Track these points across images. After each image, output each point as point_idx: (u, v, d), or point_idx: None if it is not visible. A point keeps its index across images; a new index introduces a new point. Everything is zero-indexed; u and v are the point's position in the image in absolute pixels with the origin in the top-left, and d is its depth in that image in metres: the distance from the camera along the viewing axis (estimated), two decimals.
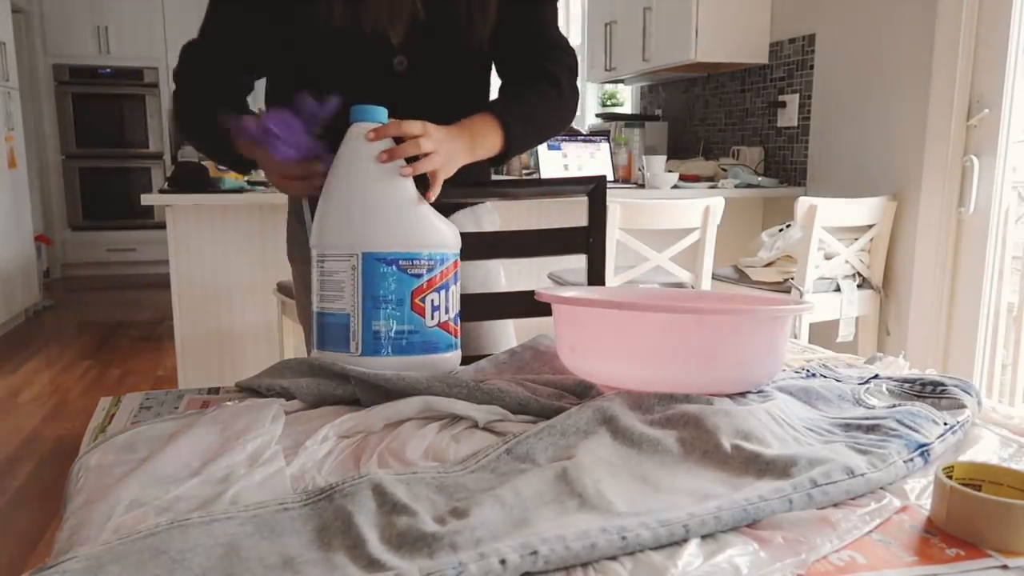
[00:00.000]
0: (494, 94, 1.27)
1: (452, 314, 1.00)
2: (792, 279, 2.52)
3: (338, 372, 0.91)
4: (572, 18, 5.67)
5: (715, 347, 0.84)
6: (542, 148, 3.16)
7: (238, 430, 0.76)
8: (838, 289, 2.61)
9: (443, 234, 0.98)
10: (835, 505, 0.65)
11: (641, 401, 0.82)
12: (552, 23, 1.28)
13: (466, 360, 1.06)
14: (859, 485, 0.66)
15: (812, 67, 3.08)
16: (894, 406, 0.86)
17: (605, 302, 0.90)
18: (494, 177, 1.43)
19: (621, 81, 4.40)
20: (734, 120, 3.63)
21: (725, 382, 0.85)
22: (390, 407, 0.83)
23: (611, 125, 3.98)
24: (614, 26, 3.93)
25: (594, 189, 1.26)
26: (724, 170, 3.32)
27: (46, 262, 5.85)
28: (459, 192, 1.33)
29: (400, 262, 0.94)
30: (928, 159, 2.53)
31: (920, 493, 0.68)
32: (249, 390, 0.94)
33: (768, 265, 2.63)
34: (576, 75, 1.28)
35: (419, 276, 0.95)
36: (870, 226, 2.61)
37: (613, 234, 2.37)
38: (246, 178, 2.66)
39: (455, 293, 1.00)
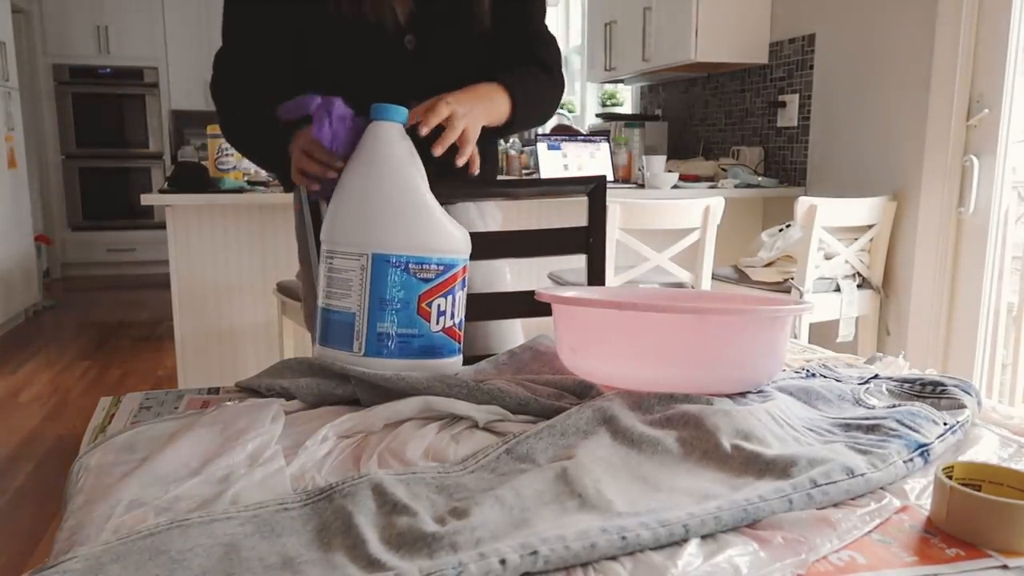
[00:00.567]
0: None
1: (457, 320, 0.99)
2: (792, 279, 2.52)
3: (338, 372, 0.91)
4: (572, 18, 5.67)
5: (715, 347, 0.84)
6: (542, 148, 3.16)
7: (238, 430, 0.76)
8: (838, 289, 2.61)
9: (454, 239, 0.98)
10: (835, 505, 0.65)
11: (641, 401, 0.82)
12: (540, 18, 1.33)
13: (472, 360, 1.05)
14: (859, 485, 0.66)
15: (812, 67, 3.08)
16: (894, 406, 0.86)
17: (605, 302, 0.90)
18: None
19: (621, 81, 4.40)
20: (734, 120, 3.63)
21: (725, 382, 0.85)
22: (390, 407, 0.83)
23: (611, 125, 3.98)
24: (614, 26, 3.93)
25: (594, 189, 1.26)
26: (724, 170, 3.32)
27: (46, 262, 5.85)
28: (459, 192, 1.33)
29: (410, 265, 0.94)
30: (928, 159, 2.53)
31: (920, 493, 0.68)
32: (249, 390, 0.94)
33: (768, 265, 2.63)
34: (561, 66, 1.34)
35: (428, 280, 0.95)
36: (870, 226, 2.61)
37: (613, 234, 2.37)
38: (246, 178, 2.66)
39: (461, 299, 1.00)
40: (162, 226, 2.81)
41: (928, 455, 0.74)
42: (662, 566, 0.54)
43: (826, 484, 0.65)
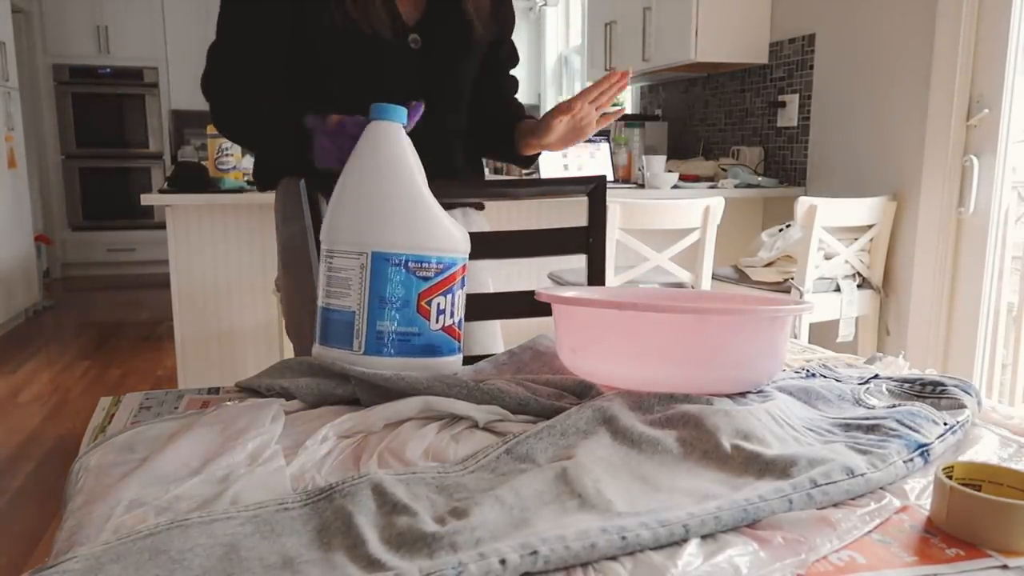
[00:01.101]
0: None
1: (457, 318, 0.99)
2: (792, 279, 2.52)
3: (338, 372, 0.91)
4: (572, 18, 5.68)
5: (715, 347, 0.84)
6: None
7: (238, 430, 0.76)
8: (838, 289, 2.61)
9: (454, 238, 0.98)
10: (835, 505, 0.65)
11: (641, 401, 0.82)
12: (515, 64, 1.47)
13: (469, 360, 1.05)
14: (859, 485, 0.66)
15: (812, 67, 3.08)
16: (894, 406, 0.86)
17: (605, 302, 0.90)
18: (494, 177, 1.47)
19: None
20: (734, 120, 3.63)
21: (725, 382, 0.85)
22: (390, 407, 0.83)
23: (611, 125, 3.98)
24: (614, 26, 3.93)
25: (594, 189, 1.26)
26: (724, 170, 3.32)
27: (46, 262, 5.85)
28: (460, 191, 1.33)
29: (409, 263, 0.94)
30: (928, 159, 2.53)
31: (920, 493, 0.68)
32: (249, 390, 0.94)
33: (768, 265, 2.63)
34: None
35: (427, 279, 0.95)
36: (870, 226, 2.61)
37: (613, 234, 2.37)
38: (246, 178, 2.66)
39: (461, 297, 1.00)
40: (162, 226, 2.81)
41: (928, 455, 0.74)
42: (662, 566, 0.54)
43: (826, 484, 0.65)
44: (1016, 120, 2.36)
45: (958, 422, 0.81)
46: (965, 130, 2.47)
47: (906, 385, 0.93)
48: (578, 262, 1.30)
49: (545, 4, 5.76)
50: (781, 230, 2.65)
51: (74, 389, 3.46)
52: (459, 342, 1.01)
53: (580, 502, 0.62)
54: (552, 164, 3.18)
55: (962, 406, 0.86)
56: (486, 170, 1.55)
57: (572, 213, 2.84)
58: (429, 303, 0.95)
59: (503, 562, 0.52)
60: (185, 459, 0.71)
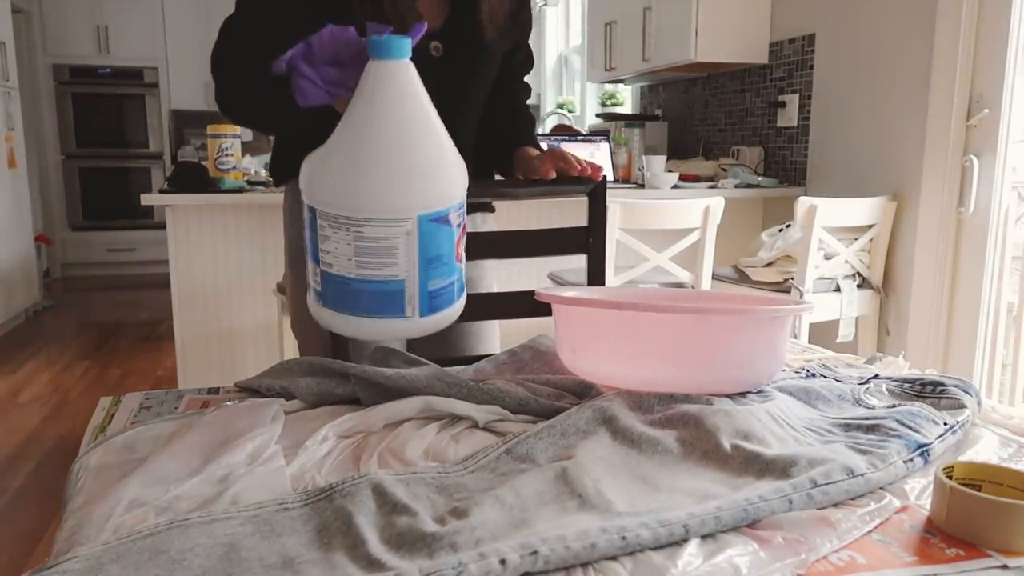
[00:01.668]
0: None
1: (462, 248, 0.97)
2: (792, 279, 2.52)
3: (338, 371, 0.91)
4: (572, 18, 5.68)
5: (715, 347, 0.84)
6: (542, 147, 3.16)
7: (238, 430, 0.76)
8: (838, 289, 2.61)
9: (463, 175, 0.92)
10: (835, 505, 0.65)
11: (641, 401, 0.82)
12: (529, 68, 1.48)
13: (462, 360, 1.05)
14: (859, 485, 0.66)
15: (812, 67, 3.08)
16: (894, 406, 0.86)
17: (605, 302, 0.90)
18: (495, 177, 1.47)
19: (621, 81, 4.40)
20: (734, 120, 3.63)
21: (725, 382, 0.85)
22: (390, 407, 0.83)
23: (611, 125, 3.98)
24: (614, 26, 3.93)
25: (594, 189, 1.26)
26: (724, 170, 3.32)
27: (46, 262, 5.85)
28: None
29: (450, 216, 0.90)
30: (928, 159, 2.53)
31: (920, 493, 0.68)
32: (249, 390, 0.94)
33: (768, 265, 2.63)
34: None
35: (460, 225, 0.92)
36: (870, 226, 2.61)
37: (613, 234, 2.37)
38: (246, 178, 2.66)
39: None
40: (162, 226, 2.80)
41: (928, 455, 0.74)
42: (662, 566, 0.54)
43: (826, 484, 0.65)
44: (1016, 120, 2.36)
45: (958, 422, 0.81)
46: (965, 130, 2.47)
47: (906, 385, 0.93)
48: (578, 262, 1.30)
49: (545, 4, 5.76)
50: (781, 230, 2.65)
51: (74, 389, 3.46)
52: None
53: (580, 502, 0.62)
54: None
55: (962, 406, 0.86)
56: None
57: (572, 213, 2.84)
58: (460, 247, 0.94)
59: (503, 562, 0.52)
60: (185, 459, 0.71)
